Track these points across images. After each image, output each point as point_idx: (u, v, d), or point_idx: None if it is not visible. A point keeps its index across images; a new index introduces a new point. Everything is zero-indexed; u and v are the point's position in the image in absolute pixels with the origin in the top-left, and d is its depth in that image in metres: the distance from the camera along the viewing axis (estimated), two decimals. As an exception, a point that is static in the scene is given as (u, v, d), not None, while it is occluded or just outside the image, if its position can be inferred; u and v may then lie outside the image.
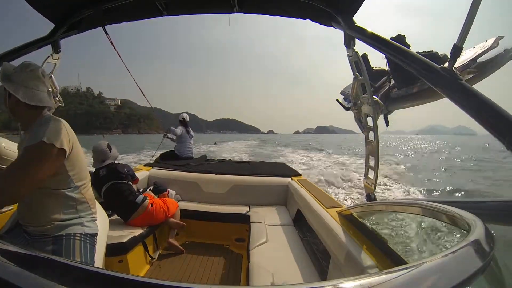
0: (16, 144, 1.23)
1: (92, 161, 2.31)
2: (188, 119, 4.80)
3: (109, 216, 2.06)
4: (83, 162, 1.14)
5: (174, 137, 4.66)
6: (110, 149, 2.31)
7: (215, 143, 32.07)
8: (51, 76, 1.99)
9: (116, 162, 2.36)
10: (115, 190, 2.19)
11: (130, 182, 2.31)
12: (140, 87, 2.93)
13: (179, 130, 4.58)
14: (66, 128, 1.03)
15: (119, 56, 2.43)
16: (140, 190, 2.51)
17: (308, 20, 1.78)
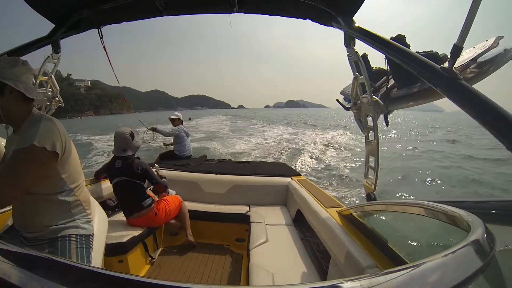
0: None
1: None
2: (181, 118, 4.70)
3: (109, 216, 2.06)
4: (77, 163, 1.11)
5: (167, 135, 4.48)
6: (133, 138, 2.14)
7: (190, 119, 32.76)
8: (51, 76, 1.99)
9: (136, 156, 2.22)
10: (125, 187, 2.14)
11: (143, 183, 2.19)
12: (112, 66, 2.72)
13: (179, 127, 4.53)
14: (58, 128, 0.99)
15: (108, 59, 2.38)
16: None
17: (304, 20, 1.78)
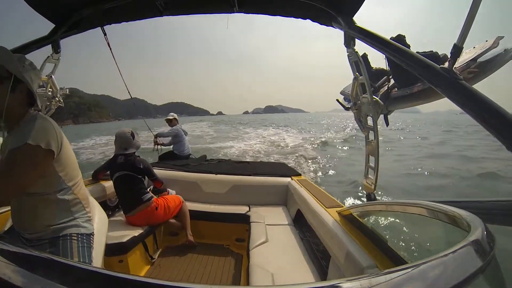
0: None
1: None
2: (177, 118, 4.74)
3: (109, 216, 2.06)
4: (74, 161, 1.11)
5: (166, 141, 4.55)
6: (133, 137, 2.27)
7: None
8: (51, 76, 1.99)
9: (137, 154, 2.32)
10: (125, 181, 2.20)
11: (143, 179, 2.28)
12: (118, 66, 2.66)
13: (176, 127, 4.55)
14: (53, 127, 0.99)
15: (113, 56, 2.42)
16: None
17: (304, 20, 1.78)
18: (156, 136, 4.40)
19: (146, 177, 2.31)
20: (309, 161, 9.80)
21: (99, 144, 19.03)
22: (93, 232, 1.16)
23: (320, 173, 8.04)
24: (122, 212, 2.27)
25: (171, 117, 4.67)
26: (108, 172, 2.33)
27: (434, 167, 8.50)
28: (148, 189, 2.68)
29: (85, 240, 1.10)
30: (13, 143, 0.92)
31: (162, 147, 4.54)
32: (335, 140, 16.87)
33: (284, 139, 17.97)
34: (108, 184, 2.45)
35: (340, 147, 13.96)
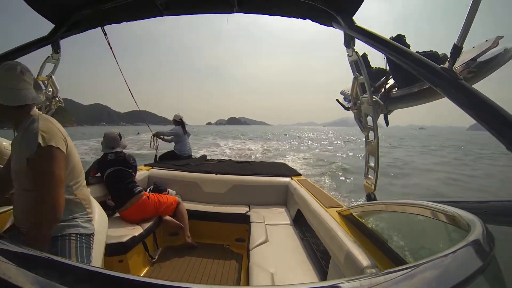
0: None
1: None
2: (184, 119, 4.76)
3: (108, 216, 2.06)
4: (78, 160, 1.12)
5: (169, 138, 4.61)
6: (121, 138, 2.44)
7: (138, 133, 36.90)
8: (51, 77, 1.99)
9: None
10: (118, 175, 2.30)
11: (133, 173, 2.42)
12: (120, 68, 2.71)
13: (176, 128, 4.57)
14: (57, 127, 1.01)
15: (114, 56, 2.42)
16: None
17: (304, 20, 1.78)
18: (154, 135, 4.43)
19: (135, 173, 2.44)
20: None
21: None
22: (93, 233, 1.16)
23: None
24: (120, 214, 2.28)
25: (178, 119, 4.70)
26: (99, 174, 2.39)
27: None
28: (148, 189, 2.69)
29: (84, 240, 1.10)
30: (27, 151, 0.94)
31: (159, 145, 4.60)
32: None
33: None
34: None
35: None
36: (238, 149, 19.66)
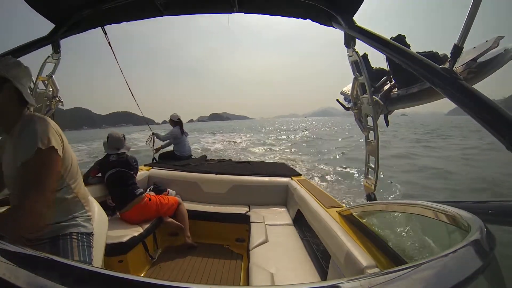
0: None
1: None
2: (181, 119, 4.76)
3: (108, 216, 2.06)
4: (74, 159, 1.11)
5: (162, 143, 4.64)
6: (125, 140, 2.47)
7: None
8: (52, 76, 1.99)
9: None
10: (119, 177, 2.29)
11: (135, 175, 2.41)
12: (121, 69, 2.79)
13: (173, 130, 4.56)
14: (52, 126, 0.99)
15: (115, 57, 2.42)
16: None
17: (305, 20, 1.78)
18: (153, 134, 4.48)
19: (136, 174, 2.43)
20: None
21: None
22: (92, 232, 1.16)
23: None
24: (120, 215, 2.28)
25: (176, 119, 4.69)
26: (99, 174, 2.39)
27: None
28: (148, 189, 2.69)
29: (85, 239, 1.10)
30: (22, 154, 0.91)
31: (160, 144, 4.63)
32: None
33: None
34: None
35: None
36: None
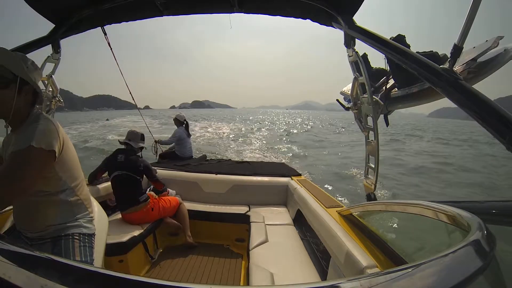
0: None
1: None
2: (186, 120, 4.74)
3: (109, 216, 2.06)
4: (76, 161, 1.11)
5: (171, 146, 4.61)
6: (142, 138, 2.42)
7: (107, 120, 38.30)
8: (52, 76, 1.99)
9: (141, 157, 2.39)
10: (124, 181, 2.22)
11: (141, 180, 2.30)
12: (119, 66, 2.71)
13: (178, 131, 4.55)
14: (55, 127, 0.98)
15: (114, 57, 2.43)
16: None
17: (304, 20, 1.78)
18: (156, 142, 4.45)
19: (144, 178, 2.33)
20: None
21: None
22: (94, 233, 1.17)
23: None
24: (121, 216, 2.28)
25: (181, 119, 4.65)
26: (105, 174, 2.35)
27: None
28: (148, 189, 2.69)
29: (86, 240, 1.10)
30: (16, 145, 0.92)
31: (164, 149, 4.61)
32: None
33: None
34: (108, 184, 2.45)
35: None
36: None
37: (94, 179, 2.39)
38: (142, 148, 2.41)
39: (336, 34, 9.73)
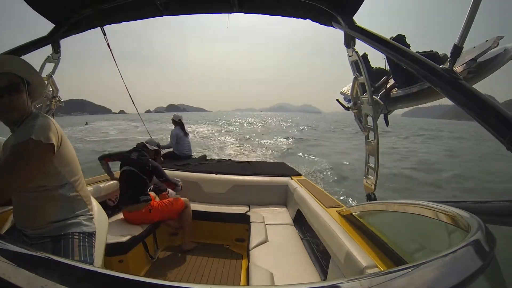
0: None
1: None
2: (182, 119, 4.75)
3: (109, 216, 2.06)
4: (74, 157, 1.12)
5: (170, 148, 4.61)
6: (159, 147, 2.63)
7: (87, 123, 39.45)
8: (52, 76, 1.99)
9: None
10: (131, 177, 2.28)
11: (148, 181, 2.33)
12: (118, 66, 2.73)
13: (175, 131, 4.56)
14: (53, 123, 1.01)
15: (114, 58, 2.42)
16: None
17: (304, 20, 1.78)
18: (159, 153, 4.50)
19: (152, 178, 2.37)
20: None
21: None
22: (94, 231, 1.16)
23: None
24: (122, 212, 2.28)
25: (177, 120, 4.68)
26: (111, 162, 2.50)
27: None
28: (149, 189, 2.68)
29: (86, 239, 1.10)
30: (15, 140, 0.94)
31: (164, 151, 4.60)
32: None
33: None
34: (108, 184, 2.45)
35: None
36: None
37: (102, 159, 2.52)
38: (156, 151, 2.55)
39: (307, 34, 9.80)
